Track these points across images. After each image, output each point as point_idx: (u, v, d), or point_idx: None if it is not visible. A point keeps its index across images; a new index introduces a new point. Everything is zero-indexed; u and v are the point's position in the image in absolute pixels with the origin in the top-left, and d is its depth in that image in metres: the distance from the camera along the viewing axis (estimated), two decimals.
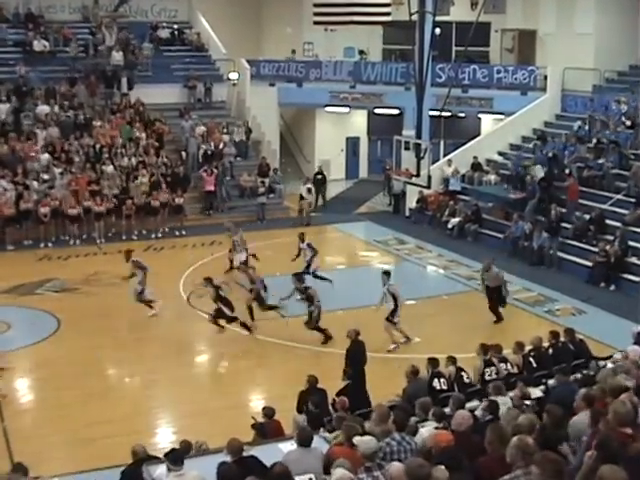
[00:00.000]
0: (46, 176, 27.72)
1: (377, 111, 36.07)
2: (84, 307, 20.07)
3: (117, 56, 33.45)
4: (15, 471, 9.46)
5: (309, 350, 17.83)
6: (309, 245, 22.05)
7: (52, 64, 32.98)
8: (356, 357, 14.77)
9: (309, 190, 30.68)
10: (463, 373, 13.21)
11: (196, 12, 37.66)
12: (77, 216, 26.79)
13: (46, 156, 28.51)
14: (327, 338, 18.14)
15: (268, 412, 12.15)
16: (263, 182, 30.78)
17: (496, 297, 19.69)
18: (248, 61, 35.15)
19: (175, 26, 37.06)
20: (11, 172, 27.57)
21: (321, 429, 10.74)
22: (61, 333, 18.99)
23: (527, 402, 10.60)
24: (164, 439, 13.89)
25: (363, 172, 38.36)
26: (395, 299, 17.95)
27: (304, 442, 8.93)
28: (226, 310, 18.32)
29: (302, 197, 30.29)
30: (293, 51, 36.70)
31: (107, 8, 35.62)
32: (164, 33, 36.46)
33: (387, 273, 18.59)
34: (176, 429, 14.53)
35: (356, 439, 8.65)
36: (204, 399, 15.71)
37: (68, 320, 19.43)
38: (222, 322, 18.50)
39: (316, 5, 33.88)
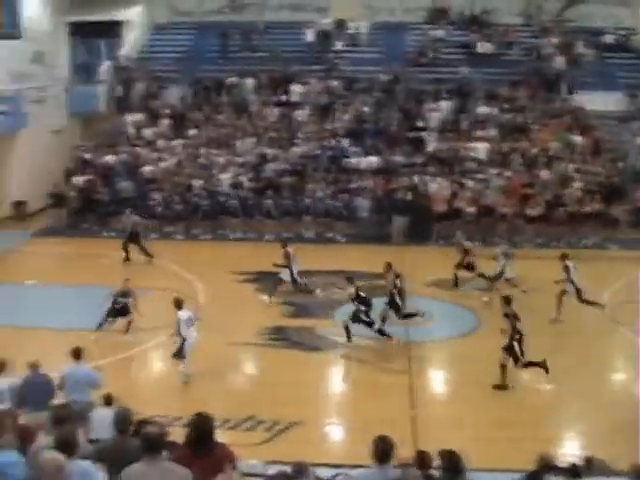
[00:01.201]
0: (482, 176, 28.14)
1: None
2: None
3: (559, 60, 33.17)
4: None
5: None
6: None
7: (495, 66, 33.60)
8: None
9: None
10: None
11: None
12: (508, 218, 27.06)
13: (484, 156, 29.08)
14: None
15: None
16: None
17: None
18: None
19: (621, 32, 35.80)
20: (449, 170, 28.35)
21: None
22: (480, 331, 19.03)
23: None
24: (568, 451, 13.17)
25: None
26: None
27: None
28: None
29: None
30: None
31: (552, 13, 35.54)
32: (609, 39, 35.39)
33: None
34: (584, 443, 13.86)
35: None
36: (601, 416, 14.60)
37: (488, 319, 19.09)
38: None
39: None
